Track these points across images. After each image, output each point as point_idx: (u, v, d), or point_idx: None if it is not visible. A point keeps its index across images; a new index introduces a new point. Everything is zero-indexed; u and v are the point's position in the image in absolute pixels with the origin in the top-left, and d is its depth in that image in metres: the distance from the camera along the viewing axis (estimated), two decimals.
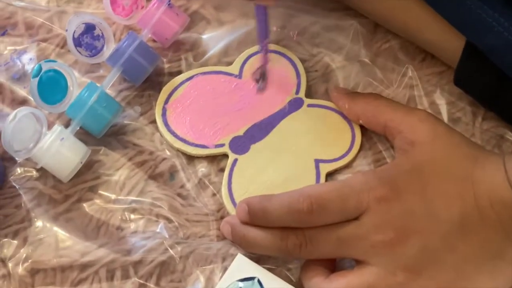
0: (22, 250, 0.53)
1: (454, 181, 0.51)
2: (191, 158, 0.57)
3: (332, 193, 0.50)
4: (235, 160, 0.57)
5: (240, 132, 0.58)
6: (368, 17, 0.61)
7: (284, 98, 0.59)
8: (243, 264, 0.52)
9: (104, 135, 0.57)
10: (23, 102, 0.59)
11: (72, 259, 0.53)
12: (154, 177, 0.56)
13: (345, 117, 0.58)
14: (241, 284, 0.51)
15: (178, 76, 0.59)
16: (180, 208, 0.55)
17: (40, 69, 0.55)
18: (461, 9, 0.53)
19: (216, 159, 0.57)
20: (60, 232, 0.54)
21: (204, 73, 0.59)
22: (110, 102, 0.56)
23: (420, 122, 0.54)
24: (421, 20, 0.57)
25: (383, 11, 0.59)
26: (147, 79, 0.59)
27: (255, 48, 0.60)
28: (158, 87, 0.59)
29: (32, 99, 0.58)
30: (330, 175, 0.57)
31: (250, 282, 0.52)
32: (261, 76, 0.58)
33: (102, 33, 0.59)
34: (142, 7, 0.60)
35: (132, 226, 0.54)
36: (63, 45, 0.61)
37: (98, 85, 0.57)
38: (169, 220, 0.55)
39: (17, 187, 0.55)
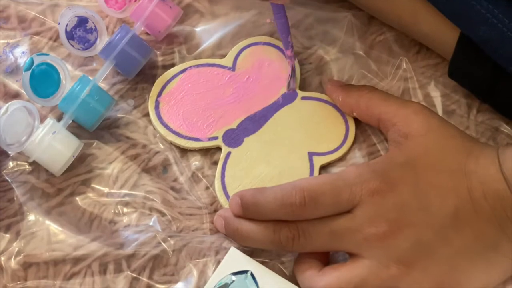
0: (14, 244, 0.53)
1: (448, 174, 0.51)
2: (184, 151, 0.57)
3: (325, 186, 0.50)
4: (229, 153, 0.56)
5: (234, 125, 0.57)
6: (362, 10, 0.60)
7: (278, 90, 0.59)
8: (236, 257, 0.52)
9: (97, 129, 0.57)
10: (16, 95, 0.58)
11: (64, 252, 0.53)
12: (147, 170, 0.56)
13: (339, 109, 0.58)
14: (234, 277, 0.51)
15: (171, 69, 0.59)
16: (173, 202, 0.55)
17: (32, 62, 0.55)
18: (456, 1, 0.53)
19: (210, 152, 0.57)
20: (52, 226, 0.54)
21: (198, 65, 0.59)
22: (102, 95, 0.56)
23: (414, 115, 0.53)
24: (415, 13, 0.57)
25: (377, 3, 0.58)
26: (140, 72, 0.59)
27: (249, 40, 0.60)
28: (152, 80, 0.59)
29: (24, 92, 0.58)
30: (324, 168, 0.57)
31: (243, 276, 0.51)
32: (291, 74, 0.58)
33: (95, 26, 0.59)
34: (135, 0, 0.60)
35: (125, 219, 0.54)
36: (56, 38, 0.60)
37: (91, 78, 0.56)
38: (162, 214, 0.55)
39: (9, 181, 0.55)
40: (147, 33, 0.60)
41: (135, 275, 0.53)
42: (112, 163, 0.56)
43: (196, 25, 0.61)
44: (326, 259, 0.52)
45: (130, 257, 0.53)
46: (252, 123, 0.57)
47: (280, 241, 0.51)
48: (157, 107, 0.58)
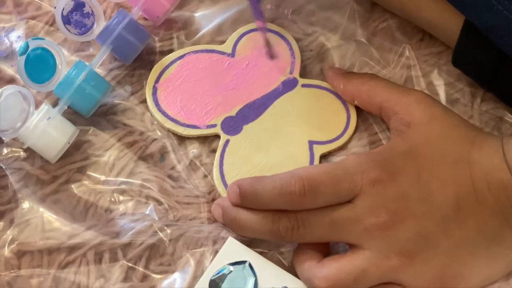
0: (8, 232, 0.52)
1: (451, 164, 0.49)
2: (182, 139, 0.56)
3: (325, 175, 0.49)
4: (227, 141, 0.55)
5: (233, 113, 0.56)
6: None
7: (278, 77, 0.57)
8: (234, 247, 0.51)
9: (93, 115, 0.56)
10: (11, 81, 0.57)
11: (59, 241, 0.52)
12: (144, 158, 0.55)
13: (340, 97, 0.57)
14: (231, 268, 0.50)
15: (169, 55, 0.58)
16: (170, 190, 0.54)
17: (27, 46, 0.53)
18: None
19: (208, 140, 0.56)
20: (47, 214, 0.53)
21: (196, 51, 0.58)
22: (99, 81, 0.55)
23: (416, 103, 0.52)
24: None
25: None
26: (138, 58, 0.58)
27: (249, 26, 0.59)
28: (150, 66, 0.58)
29: (19, 78, 0.57)
30: (324, 157, 0.56)
31: (241, 266, 0.50)
32: (266, 46, 0.56)
33: (92, 10, 0.58)
34: None
35: (121, 208, 0.53)
36: (52, 23, 0.59)
37: (87, 63, 0.55)
38: (159, 202, 0.54)
39: (3, 167, 0.54)
40: (145, 18, 0.59)
41: (131, 265, 0.52)
42: (108, 150, 0.55)
43: (195, 11, 0.60)
44: (325, 250, 0.51)
45: (126, 246, 0.52)
46: (251, 111, 0.56)
47: (279, 231, 0.50)
48: (154, 93, 0.57)
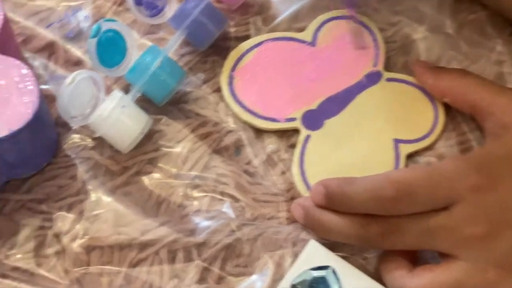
0: (78, 226, 0.49)
1: None
2: (259, 132, 0.53)
3: (421, 180, 0.46)
4: (308, 136, 0.52)
5: (313, 106, 0.53)
6: None
7: (361, 70, 0.54)
8: (316, 251, 0.48)
9: (164, 103, 0.52)
10: (78, 63, 0.54)
11: (131, 237, 0.49)
12: (218, 151, 0.52)
13: (427, 93, 0.53)
14: (314, 273, 0.47)
15: (246, 42, 0.54)
16: (247, 186, 0.51)
17: (99, 28, 0.50)
18: None
19: (286, 134, 0.53)
20: (118, 207, 0.50)
21: (275, 39, 0.54)
22: (174, 68, 0.51)
23: None
24: None
25: None
26: (211, 44, 0.54)
27: (331, 14, 0.55)
28: (224, 53, 0.54)
29: (87, 60, 0.54)
30: (409, 157, 0.52)
31: (323, 272, 0.47)
32: (356, 36, 0.53)
33: None
34: None
35: (195, 204, 0.50)
36: (120, 2, 0.56)
37: (160, 48, 0.52)
38: (235, 199, 0.50)
39: (72, 156, 0.51)
40: (219, 1, 0.56)
41: (206, 265, 0.49)
42: (181, 141, 0.52)
43: None
44: (414, 258, 0.48)
45: (201, 245, 0.49)
46: (333, 104, 0.53)
47: (367, 237, 0.46)
48: (231, 82, 0.53)
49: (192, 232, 0.49)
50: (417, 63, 0.54)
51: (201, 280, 0.48)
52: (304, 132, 0.52)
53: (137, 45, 0.53)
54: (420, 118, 0.53)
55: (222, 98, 0.53)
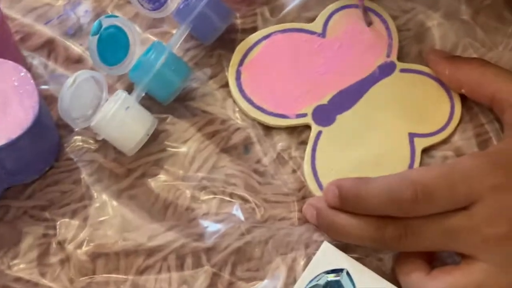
0: (82, 233, 0.47)
1: None
2: (268, 129, 0.51)
3: (440, 179, 0.44)
4: (319, 133, 0.50)
5: (324, 100, 0.51)
6: None
7: (374, 61, 0.52)
8: (329, 253, 0.46)
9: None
10: (79, 61, 0.52)
11: (137, 242, 0.47)
12: (227, 150, 0.50)
13: (443, 84, 0.51)
14: (328, 276, 0.46)
15: (254, 34, 0.52)
16: (257, 187, 0.49)
17: (100, 25, 0.48)
18: None
19: (296, 130, 0.51)
20: (123, 212, 0.48)
21: (283, 30, 0.52)
22: (179, 65, 0.49)
23: None
24: None
25: None
26: (217, 37, 0.52)
27: (340, 2, 0.53)
28: (230, 46, 0.52)
29: (88, 57, 0.52)
30: (425, 151, 0.50)
31: (338, 274, 0.46)
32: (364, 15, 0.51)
33: None
34: None
35: (204, 206, 0.48)
36: None
37: (164, 43, 0.50)
38: (244, 200, 0.49)
39: (74, 159, 0.49)
40: None
41: (215, 270, 0.47)
42: (187, 141, 0.50)
43: None
44: (431, 259, 0.46)
45: (210, 250, 0.47)
46: (345, 98, 0.51)
47: (384, 239, 0.45)
48: (238, 77, 0.51)
49: (201, 236, 0.47)
50: (431, 53, 0.51)
51: (211, 286, 0.46)
52: (315, 128, 0.50)
53: (140, 40, 0.51)
54: (436, 110, 0.51)
55: (229, 94, 0.51)
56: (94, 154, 0.49)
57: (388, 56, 0.52)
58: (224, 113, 0.51)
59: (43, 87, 0.51)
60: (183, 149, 0.50)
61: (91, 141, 0.50)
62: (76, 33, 0.53)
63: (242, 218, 0.48)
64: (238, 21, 0.53)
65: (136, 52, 0.51)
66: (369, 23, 0.52)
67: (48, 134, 0.48)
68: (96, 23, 0.48)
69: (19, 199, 0.48)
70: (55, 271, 0.46)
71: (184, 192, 0.49)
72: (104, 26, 0.49)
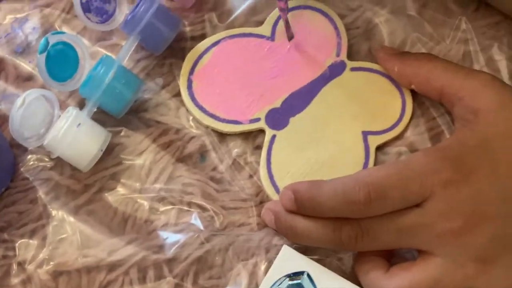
0: (42, 252, 0.47)
1: None
2: (222, 135, 0.51)
3: (392, 179, 0.44)
4: (273, 136, 0.50)
5: (277, 104, 0.51)
6: None
7: (324, 61, 0.52)
8: (289, 256, 0.47)
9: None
10: (29, 78, 0.52)
11: (98, 258, 0.47)
12: (182, 159, 0.50)
13: (393, 81, 0.52)
14: (289, 280, 0.46)
15: (203, 42, 0.52)
16: (214, 194, 0.49)
17: (47, 43, 0.48)
18: None
19: (251, 135, 0.51)
20: (82, 228, 0.48)
21: (232, 36, 0.52)
22: (129, 78, 0.49)
23: (483, 87, 0.47)
24: None
25: None
26: (167, 45, 0.52)
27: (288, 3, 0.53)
28: (181, 54, 0.52)
29: (39, 75, 0.52)
30: (379, 148, 0.51)
31: (299, 277, 0.46)
32: (286, 26, 0.51)
33: None
34: None
35: (162, 217, 0.49)
36: (69, 9, 0.54)
37: (113, 56, 0.50)
38: (203, 209, 0.49)
39: (30, 178, 0.49)
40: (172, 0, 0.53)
41: (177, 281, 0.47)
42: (143, 153, 0.50)
43: None
44: (390, 256, 0.47)
45: (171, 261, 0.47)
46: (297, 100, 0.51)
47: (341, 240, 0.45)
48: (189, 86, 0.51)
49: (161, 248, 0.48)
50: (380, 50, 0.52)
51: None
52: (269, 132, 0.50)
53: (89, 54, 0.51)
54: (388, 107, 0.51)
55: (182, 103, 0.51)
56: (49, 172, 0.49)
57: (338, 55, 0.52)
58: (178, 122, 0.51)
59: None
60: (139, 161, 0.50)
61: (46, 159, 0.50)
62: (24, 50, 0.52)
63: (201, 227, 0.48)
64: (187, 29, 0.53)
65: (86, 66, 0.50)
66: (291, 37, 0.51)
67: (2, 155, 0.48)
68: (42, 41, 0.48)
69: None
70: None
71: (142, 205, 0.49)
72: (51, 43, 0.48)
